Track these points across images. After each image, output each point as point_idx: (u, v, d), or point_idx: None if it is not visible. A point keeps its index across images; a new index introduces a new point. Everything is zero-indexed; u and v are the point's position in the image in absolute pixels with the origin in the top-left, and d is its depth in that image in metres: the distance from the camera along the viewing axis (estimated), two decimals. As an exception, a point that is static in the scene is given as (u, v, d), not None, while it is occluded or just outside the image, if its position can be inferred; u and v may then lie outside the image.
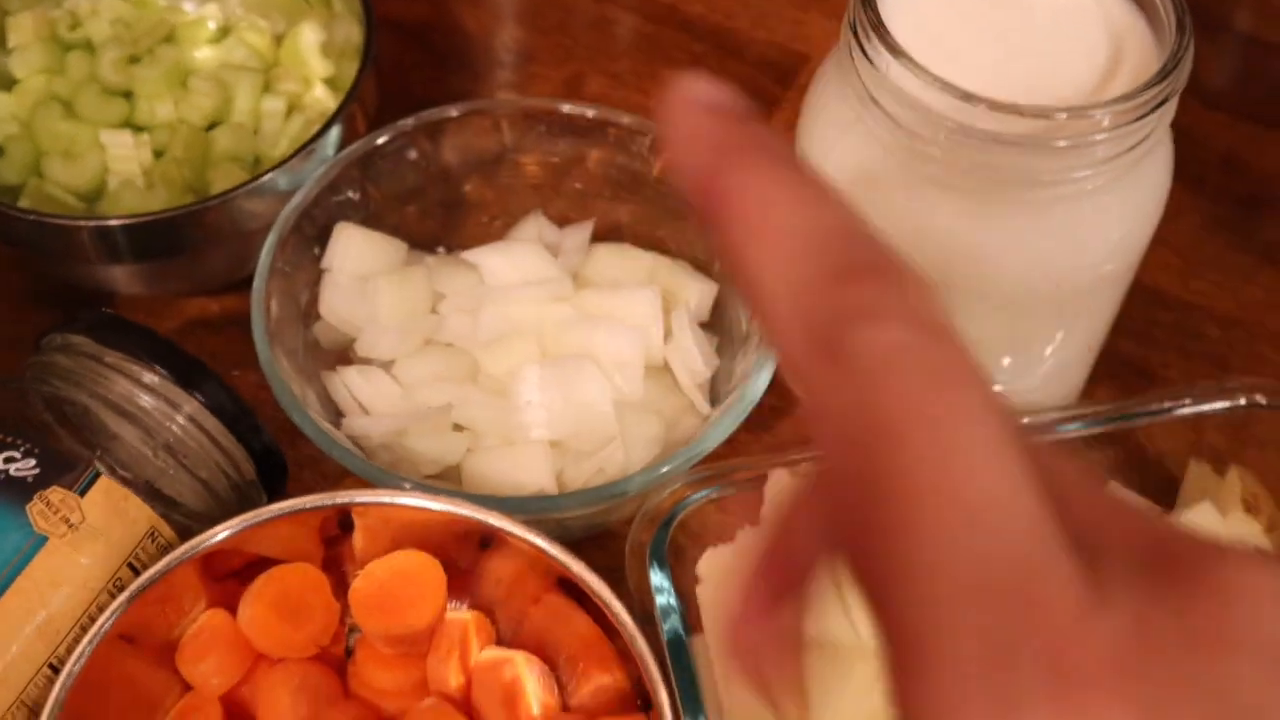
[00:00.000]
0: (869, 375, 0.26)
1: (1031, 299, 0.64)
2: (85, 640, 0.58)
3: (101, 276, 0.75)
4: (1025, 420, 0.67)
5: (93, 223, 0.71)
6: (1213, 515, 0.65)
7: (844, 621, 0.55)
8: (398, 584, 0.62)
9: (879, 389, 0.25)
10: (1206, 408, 0.67)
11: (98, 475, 0.61)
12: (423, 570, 0.62)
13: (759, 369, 0.66)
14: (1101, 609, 0.25)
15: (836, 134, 0.64)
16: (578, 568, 0.60)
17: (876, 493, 0.25)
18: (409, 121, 0.73)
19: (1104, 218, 0.62)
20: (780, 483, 0.57)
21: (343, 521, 0.63)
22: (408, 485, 0.62)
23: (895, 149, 0.61)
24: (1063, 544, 0.25)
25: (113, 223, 0.71)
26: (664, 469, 0.63)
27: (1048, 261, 0.62)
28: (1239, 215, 0.85)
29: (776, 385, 0.73)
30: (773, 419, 0.75)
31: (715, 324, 0.73)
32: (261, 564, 0.63)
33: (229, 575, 0.63)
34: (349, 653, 0.64)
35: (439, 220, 0.76)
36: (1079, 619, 0.24)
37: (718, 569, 0.60)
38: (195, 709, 0.61)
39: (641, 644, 0.58)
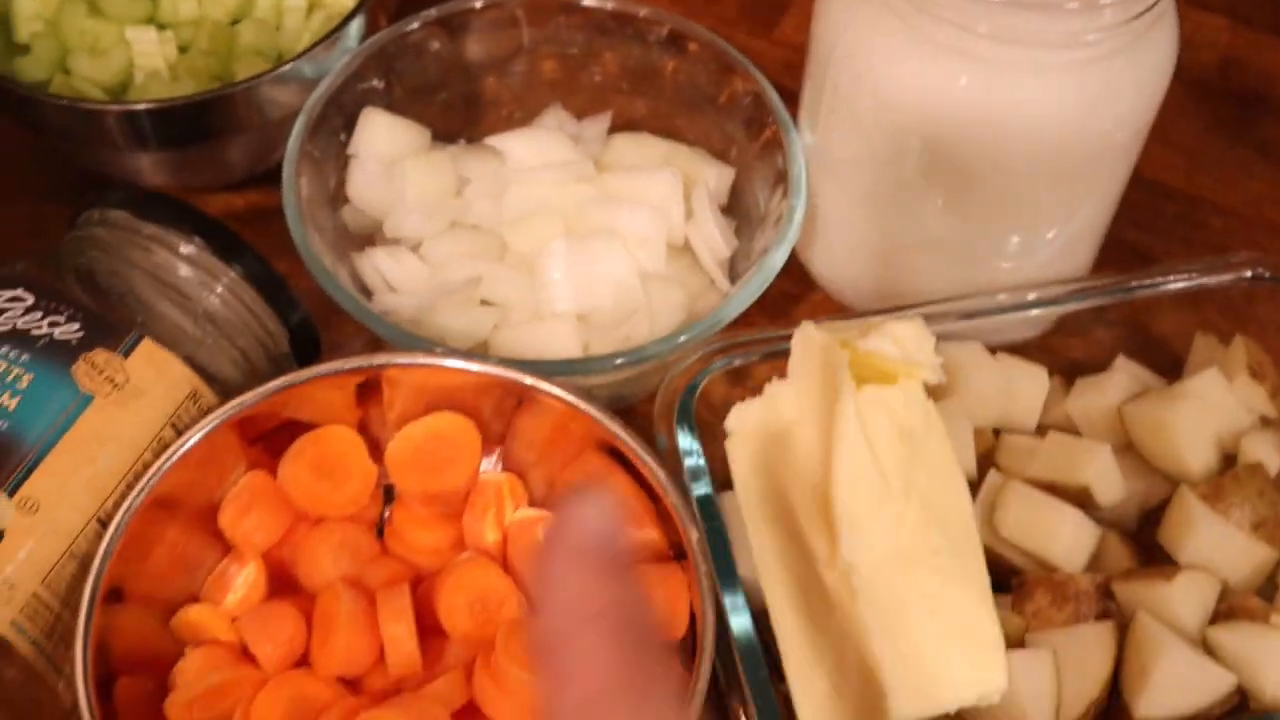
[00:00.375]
0: None
1: (1043, 166, 0.66)
2: (133, 494, 0.60)
3: (129, 165, 0.77)
4: (1036, 293, 0.69)
5: (121, 107, 0.72)
6: (1219, 381, 0.67)
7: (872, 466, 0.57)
8: (434, 445, 0.64)
9: None
10: (1211, 280, 0.69)
11: (141, 338, 0.62)
12: (458, 431, 0.64)
13: (777, 245, 0.68)
14: None
15: (854, 8, 0.66)
16: (610, 422, 0.61)
17: None
18: (431, 13, 0.75)
19: (1113, 84, 0.64)
20: (808, 333, 0.59)
21: (375, 387, 0.64)
22: (440, 350, 0.63)
23: (910, 17, 0.63)
24: None
25: (140, 107, 0.72)
26: (687, 336, 0.65)
27: (1059, 126, 0.64)
28: (1238, 115, 0.88)
29: (793, 271, 0.75)
30: (788, 305, 0.77)
31: (733, 208, 0.75)
32: (296, 431, 0.65)
33: (266, 441, 0.65)
34: (384, 517, 0.66)
35: (460, 114, 0.78)
36: None
37: (747, 422, 0.61)
38: (237, 566, 0.63)
39: (675, 497, 0.60)
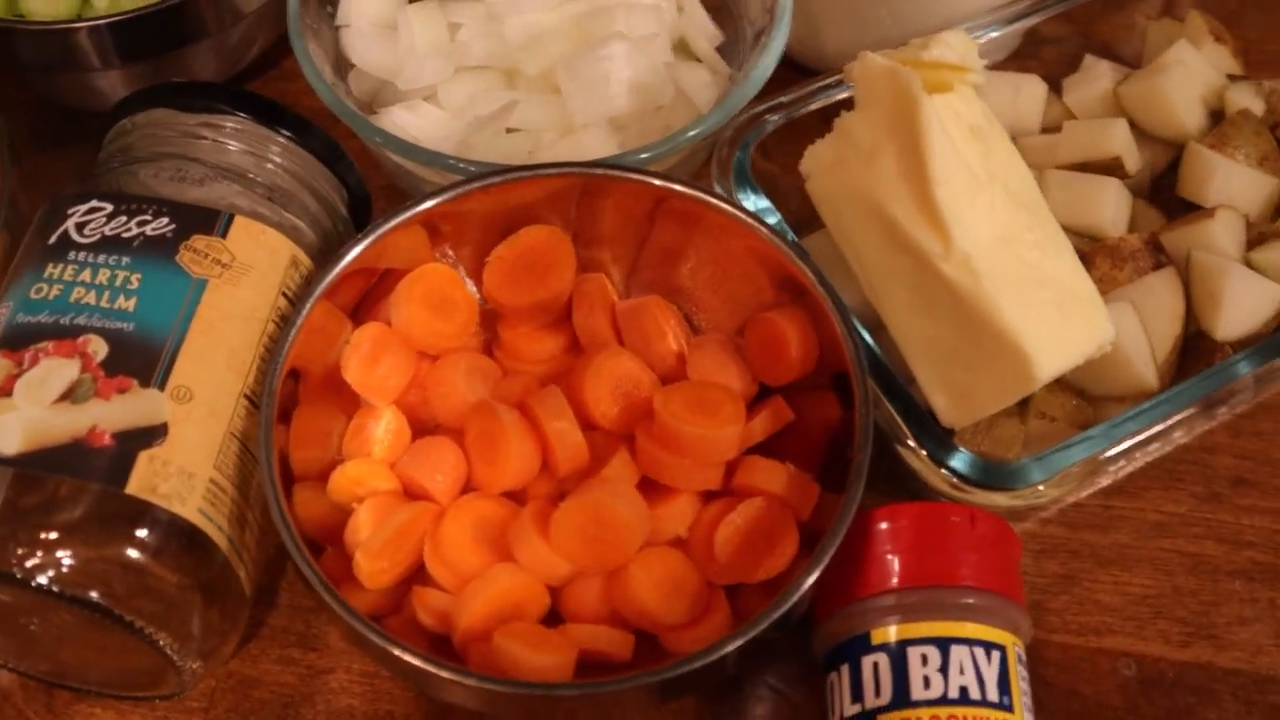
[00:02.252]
0: None
1: None
2: (276, 362, 0.60)
3: (104, 88, 0.76)
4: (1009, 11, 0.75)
5: (90, 23, 0.72)
6: (1191, 50, 0.74)
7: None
8: (530, 258, 0.67)
9: None
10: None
11: (233, 217, 0.63)
12: (548, 239, 0.67)
13: (779, 23, 0.72)
14: None
15: None
16: (693, 190, 0.65)
17: None
18: None
19: None
20: (870, 61, 0.63)
21: (440, 226, 0.66)
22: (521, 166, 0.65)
23: None
24: None
25: (110, 20, 0.72)
26: (720, 115, 0.68)
27: None
28: None
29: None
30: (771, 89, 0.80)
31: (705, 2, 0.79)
32: (379, 292, 0.66)
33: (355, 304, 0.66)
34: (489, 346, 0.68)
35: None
36: None
37: (823, 160, 0.66)
38: (374, 419, 0.64)
39: (780, 243, 0.64)
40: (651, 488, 0.62)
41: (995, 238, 0.62)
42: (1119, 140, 0.71)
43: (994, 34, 0.75)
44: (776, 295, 0.66)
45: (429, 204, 0.64)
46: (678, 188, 0.65)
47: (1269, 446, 0.71)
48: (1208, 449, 0.71)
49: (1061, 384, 0.66)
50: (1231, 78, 0.75)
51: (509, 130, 0.72)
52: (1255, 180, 0.71)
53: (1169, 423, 0.63)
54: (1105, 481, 0.69)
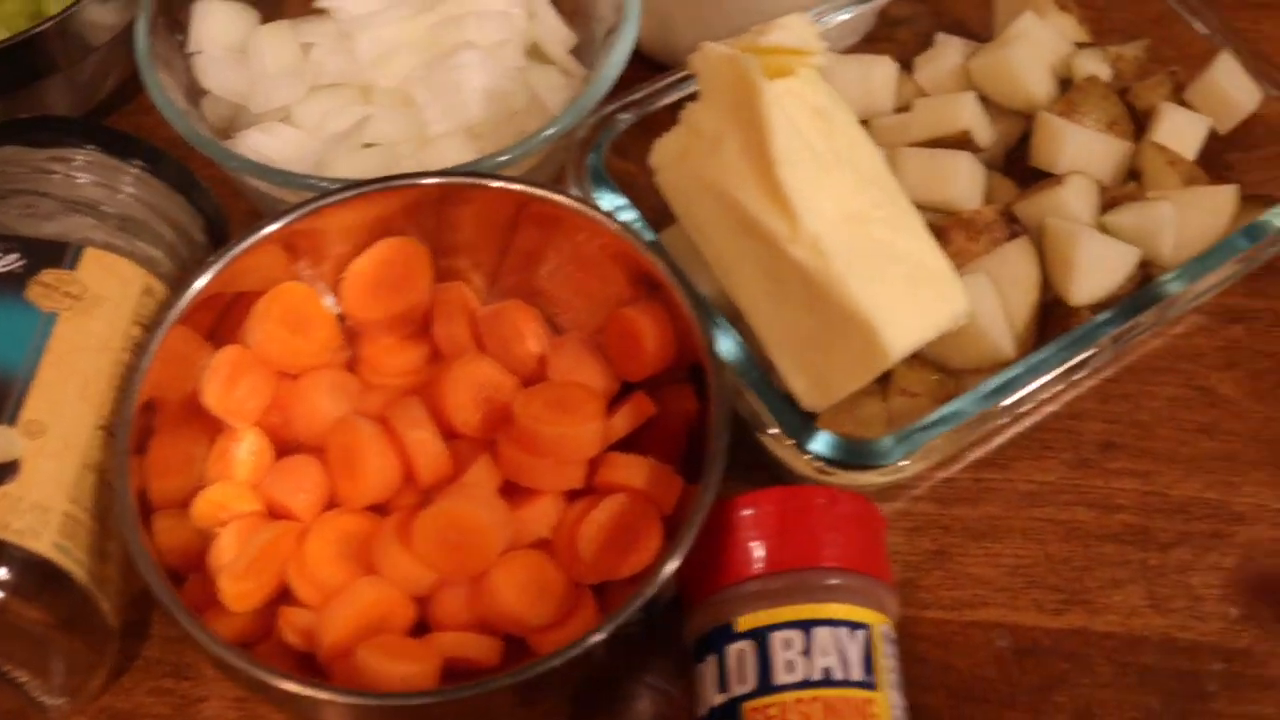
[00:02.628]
0: None
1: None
2: (129, 390, 0.60)
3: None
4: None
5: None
6: (1036, 20, 0.75)
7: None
8: (386, 270, 0.67)
9: None
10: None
11: (82, 248, 0.63)
12: (403, 250, 0.67)
13: (628, 20, 0.72)
14: None
15: None
16: (546, 192, 0.65)
17: None
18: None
19: None
20: (710, 51, 0.64)
21: (298, 244, 0.66)
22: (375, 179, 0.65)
23: None
24: None
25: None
26: (570, 117, 0.69)
27: None
28: None
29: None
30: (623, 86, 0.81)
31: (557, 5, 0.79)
32: (236, 312, 0.66)
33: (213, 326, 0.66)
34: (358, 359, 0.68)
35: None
36: None
37: (670, 152, 0.66)
38: (235, 441, 0.64)
39: (630, 237, 0.64)
40: (515, 491, 0.63)
41: (844, 217, 0.63)
42: (967, 114, 0.71)
43: (844, 17, 0.76)
44: (633, 292, 0.66)
45: (279, 224, 0.64)
46: (529, 190, 0.65)
47: (1135, 409, 0.72)
48: (1076, 415, 0.72)
49: (922, 359, 0.67)
50: (1080, 45, 0.76)
51: (367, 145, 0.73)
52: (1106, 144, 0.71)
53: (1028, 390, 0.64)
54: (974, 455, 0.70)
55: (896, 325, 0.61)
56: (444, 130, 0.71)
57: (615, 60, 0.71)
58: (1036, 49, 0.74)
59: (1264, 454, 0.71)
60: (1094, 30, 0.78)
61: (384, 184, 0.65)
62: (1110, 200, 0.70)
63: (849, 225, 0.62)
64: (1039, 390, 0.64)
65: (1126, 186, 0.71)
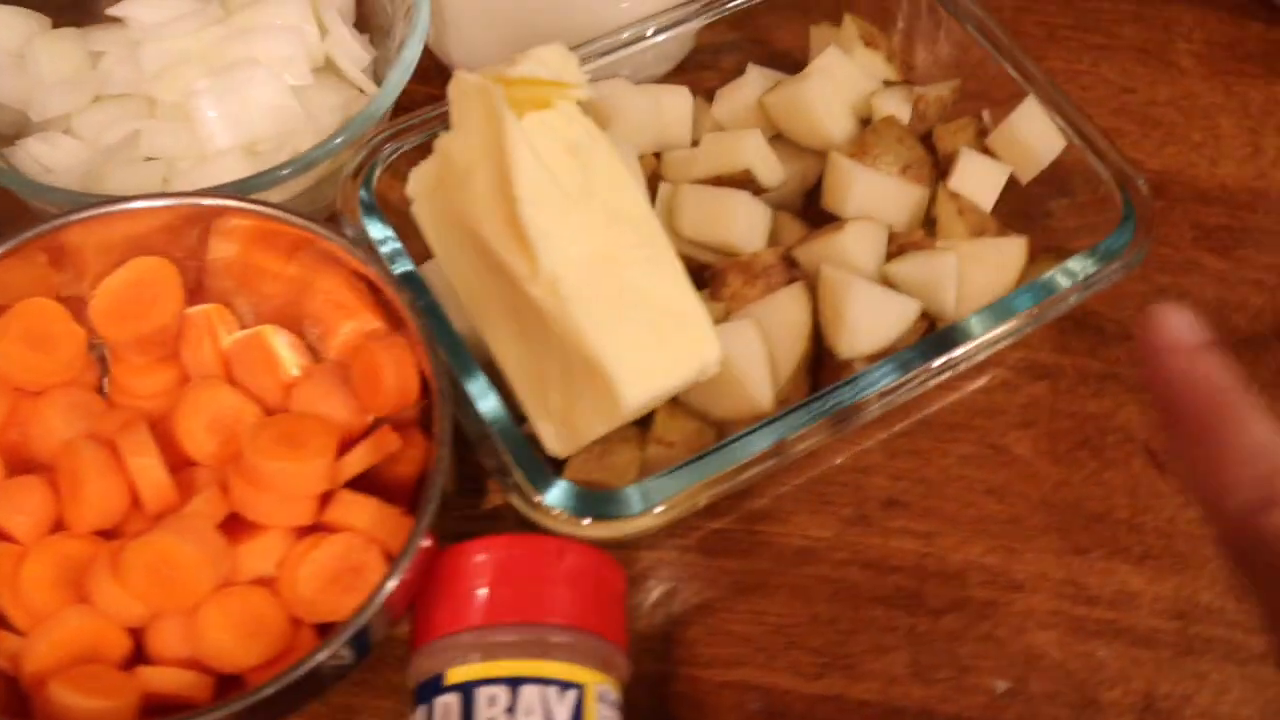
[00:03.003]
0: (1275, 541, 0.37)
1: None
2: None
3: None
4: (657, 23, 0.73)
5: None
6: (840, 56, 0.73)
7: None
8: (134, 290, 0.65)
9: None
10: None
11: None
12: (154, 271, 0.65)
13: (412, 32, 0.70)
14: None
15: None
16: (293, 218, 0.63)
17: None
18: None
19: None
20: (461, 79, 0.62)
21: (59, 258, 0.64)
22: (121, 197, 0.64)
23: None
24: None
25: None
26: (344, 135, 0.67)
27: None
28: None
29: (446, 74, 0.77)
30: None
31: (363, 22, 0.77)
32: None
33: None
34: (104, 378, 0.67)
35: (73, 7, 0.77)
36: None
37: (425, 182, 0.64)
38: (-31, 461, 0.63)
39: (379, 270, 0.62)
40: (242, 523, 0.61)
41: (590, 258, 0.60)
42: (749, 153, 0.69)
43: (642, 46, 0.73)
44: (382, 324, 0.64)
45: (14, 242, 0.63)
46: (278, 215, 0.64)
47: (923, 465, 0.70)
48: (862, 469, 0.70)
49: (683, 407, 0.64)
50: (888, 84, 0.74)
51: (149, 159, 0.71)
52: (898, 189, 0.69)
53: (774, 444, 0.61)
54: (751, 504, 0.68)
55: (634, 374, 0.59)
56: (223, 146, 0.70)
57: (393, 81, 0.69)
58: (835, 86, 0.71)
59: (1051, 520, 0.68)
60: (906, 68, 0.76)
61: (114, 205, 0.63)
62: (898, 248, 0.68)
63: (595, 267, 0.60)
64: (796, 444, 0.62)
65: (914, 235, 0.68)
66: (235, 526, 0.61)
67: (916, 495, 0.69)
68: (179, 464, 0.62)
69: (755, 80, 0.74)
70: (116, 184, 0.69)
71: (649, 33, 0.73)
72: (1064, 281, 0.66)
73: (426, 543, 0.58)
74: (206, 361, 0.65)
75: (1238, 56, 0.85)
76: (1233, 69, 0.84)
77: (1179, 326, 0.43)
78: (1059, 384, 0.72)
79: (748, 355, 0.64)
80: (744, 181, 0.69)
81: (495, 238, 0.61)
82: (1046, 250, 0.69)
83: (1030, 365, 0.73)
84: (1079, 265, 0.66)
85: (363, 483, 0.63)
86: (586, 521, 0.60)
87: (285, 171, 0.66)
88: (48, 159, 0.71)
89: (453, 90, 0.62)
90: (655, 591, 0.66)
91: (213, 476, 0.62)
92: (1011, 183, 0.71)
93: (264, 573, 0.60)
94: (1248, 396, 0.41)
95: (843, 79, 0.72)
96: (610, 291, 0.60)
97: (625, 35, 0.72)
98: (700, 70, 0.80)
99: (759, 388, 0.64)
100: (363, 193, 0.67)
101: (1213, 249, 0.77)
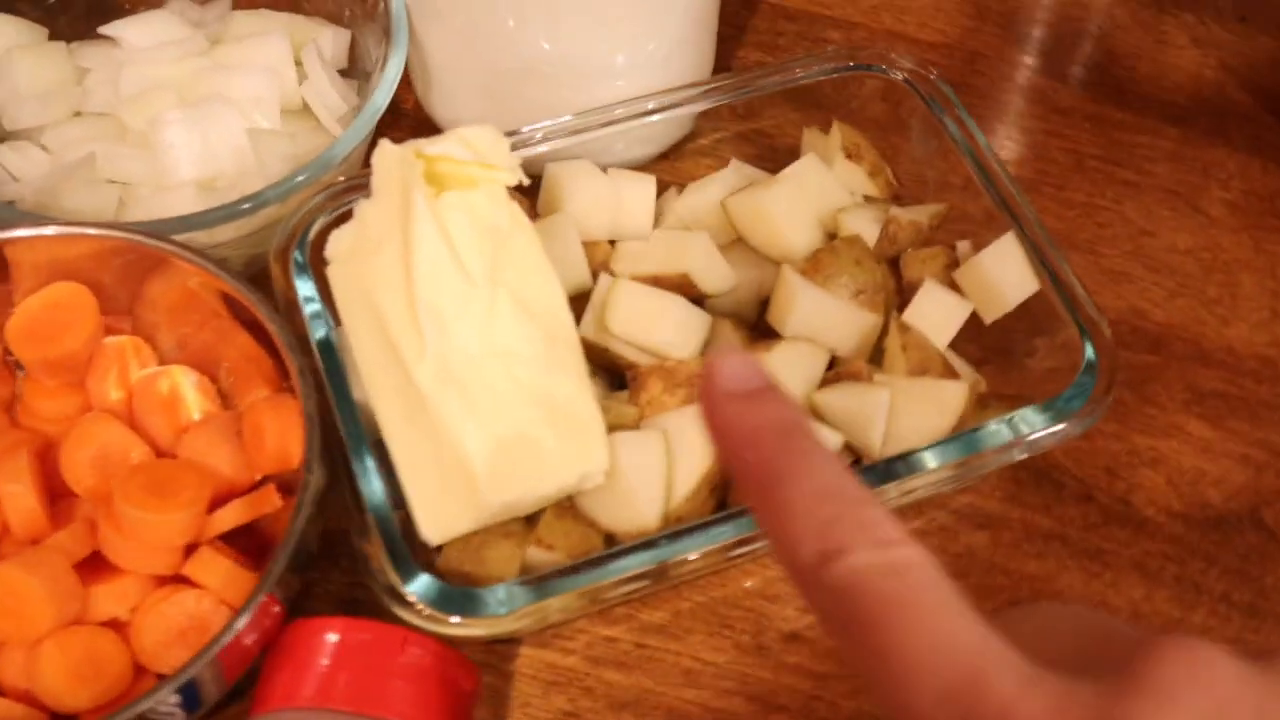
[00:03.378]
0: (844, 591, 0.35)
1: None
2: None
3: None
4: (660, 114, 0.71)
5: None
6: (817, 165, 0.70)
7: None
8: (50, 313, 0.65)
9: (853, 597, 0.35)
10: (805, 74, 0.72)
11: None
12: (74, 297, 0.65)
13: (380, 83, 0.69)
14: (1038, 684, 0.33)
15: None
16: (228, 279, 0.63)
17: (867, 657, 0.35)
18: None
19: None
20: (385, 149, 0.60)
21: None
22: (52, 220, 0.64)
23: None
24: (1003, 647, 0.34)
25: None
26: (296, 179, 0.66)
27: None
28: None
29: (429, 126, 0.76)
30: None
31: (353, 69, 0.76)
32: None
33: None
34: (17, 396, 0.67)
35: (83, 15, 0.78)
36: (1020, 689, 0.33)
37: (342, 247, 0.63)
38: None
39: (278, 329, 0.61)
40: (105, 563, 0.60)
41: (485, 346, 0.59)
42: (691, 257, 0.66)
43: (621, 127, 0.71)
44: (279, 383, 0.63)
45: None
46: (193, 260, 0.63)
47: (834, 602, 0.66)
48: (770, 597, 0.66)
49: (572, 511, 0.62)
50: (868, 200, 0.70)
51: (111, 181, 0.71)
52: (846, 313, 0.65)
53: (662, 566, 0.59)
54: (648, 616, 0.65)
55: (501, 474, 0.57)
56: (185, 179, 0.69)
57: (348, 134, 0.68)
58: (805, 198, 0.68)
59: (960, 679, 0.64)
60: (893, 185, 0.72)
61: (73, 227, 0.64)
62: (834, 375, 0.65)
63: (489, 358, 0.58)
64: (678, 567, 0.59)
65: (854, 365, 0.65)
66: (97, 565, 0.60)
67: (821, 632, 0.65)
68: (63, 493, 0.62)
69: (728, 178, 0.71)
70: (74, 202, 0.69)
71: (635, 112, 0.71)
72: (1005, 434, 0.62)
73: (275, 609, 0.57)
74: (109, 394, 0.65)
75: (1276, 211, 0.79)
76: (1268, 224, 0.79)
77: (736, 373, 0.40)
78: (1001, 537, 0.68)
79: (645, 468, 0.61)
80: (685, 287, 0.66)
81: (391, 313, 0.59)
82: (1016, 396, 0.65)
83: (975, 512, 0.69)
84: (1027, 419, 0.62)
85: (248, 540, 0.62)
86: (455, 619, 0.58)
87: (226, 212, 0.65)
88: (15, 167, 0.71)
89: (375, 157, 0.61)
90: (527, 692, 0.64)
91: (92, 511, 0.62)
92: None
93: (117, 615, 0.60)
94: (805, 443, 0.38)
95: (814, 189, 0.68)
96: (498, 385, 0.58)
97: (601, 116, 0.70)
98: (696, 157, 0.77)
99: (648, 504, 0.61)
100: (296, 253, 0.66)
101: (1203, 415, 0.72)
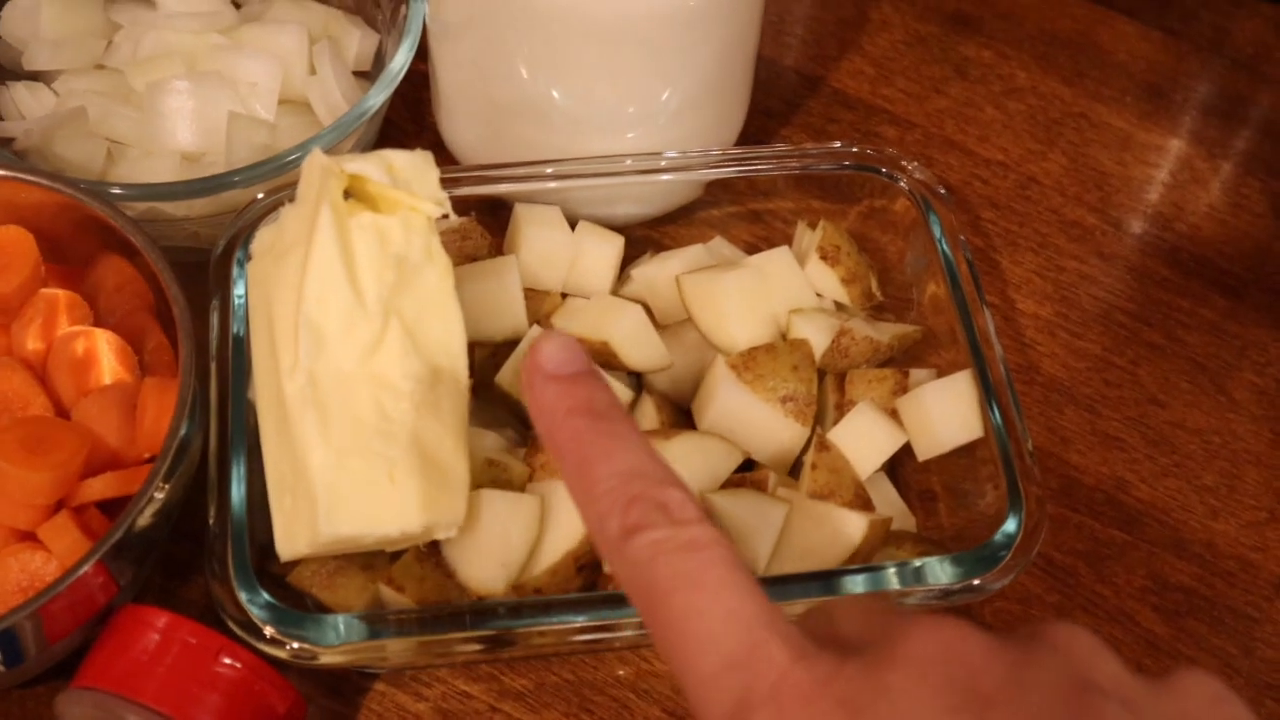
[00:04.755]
0: (642, 564, 0.38)
1: (625, 29, 0.65)
2: None
3: None
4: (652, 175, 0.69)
5: None
6: (787, 260, 0.67)
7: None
8: (-11, 254, 0.65)
9: (649, 569, 0.38)
10: (819, 160, 0.69)
11: None
12: (14, 240, 0.65)
13: (377, 87, 0.68)
14: (812, 657, 0.36)
15: None
16: (153, 255, 0.62)
17: (659, 626, 0.38)
18: None
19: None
20: (314, 157, 0.59)
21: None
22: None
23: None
24: (783, 622, 0.37)
25: None
26: (263, 168, 0.66)
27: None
28: (942, 33, 0.86)
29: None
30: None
31: (375, 74, 0.75)
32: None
33: None
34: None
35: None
36: (794, 661, 0.36)
37: (264, 243, 0.62)
38: None
39: (180, 310, 0.61)
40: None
41: (361, 373, 0.57)
42: (617, 327, 0.63)
43: (607, 181, 0.69)
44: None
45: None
46: (124, 230, 0.63)
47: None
48: (641, 691, 0.64)
49: (433, 557, 0.60)
50: (839, 306, 0.67)
51: (106, 139, 0.71)
52: (768, 419, 0.62)
53: (504, 633, 0.56)
54: (509, 680, 0.63)
55: (342, 508, 0.55)
56: (160, 147, 0.70)
57: (324, 135, 0.67)
58: (761, 291, 0.65)
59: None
60: (868, 298, 0.68)
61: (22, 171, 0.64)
62: (740, 480, 0.61)
63: (361, 383, 0.57)
64: (526, 639, 0.57)
65: (760, 472, 0.61)
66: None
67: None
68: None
69: (698, 253, 0.68)
70: (65, 151, 0.70)
71: (633, 168, 0.68)
72: (892, 581, 0.58)
73: (104, 582, 0.57)
74: (27, 343, 0.65)
75: (1308, 409, 0.73)
76: (1294, 420, 0.72)
77: (557, 356, 0.43)
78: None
79: (508, 530, 0.59)
80: (607, 357, 0.63)
81: (280, 320, 0.58)
82: (957, 537, 0.61)
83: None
84: (933, 570, 0.58)
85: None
86: (270, 634, 0.57)
87: (192, 187, 0.65)
88: (25, 107, 0.72)
89: (304, 163, 0.60)
90: (363, 732, 0.62)
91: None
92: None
93: (-36, 562, 0.60)
94: (617, 425, 0.41)
95: (775, 285, 0.65)
96: (363, 414, 0.57)
97: (582, 166, 0.68)
98: (703, 226, 0.74)
99: (499, 567, 0.59)
100: (242, 247, 0.65)
101: (1160, 608, 0.66)
